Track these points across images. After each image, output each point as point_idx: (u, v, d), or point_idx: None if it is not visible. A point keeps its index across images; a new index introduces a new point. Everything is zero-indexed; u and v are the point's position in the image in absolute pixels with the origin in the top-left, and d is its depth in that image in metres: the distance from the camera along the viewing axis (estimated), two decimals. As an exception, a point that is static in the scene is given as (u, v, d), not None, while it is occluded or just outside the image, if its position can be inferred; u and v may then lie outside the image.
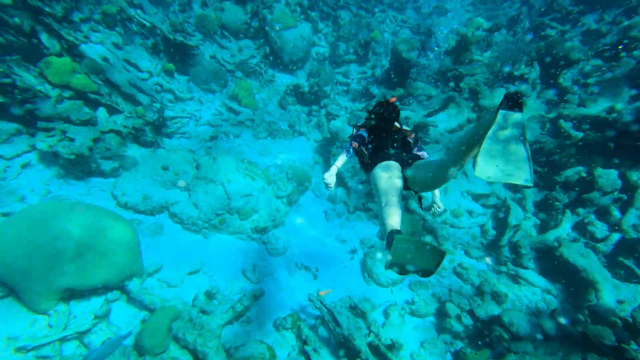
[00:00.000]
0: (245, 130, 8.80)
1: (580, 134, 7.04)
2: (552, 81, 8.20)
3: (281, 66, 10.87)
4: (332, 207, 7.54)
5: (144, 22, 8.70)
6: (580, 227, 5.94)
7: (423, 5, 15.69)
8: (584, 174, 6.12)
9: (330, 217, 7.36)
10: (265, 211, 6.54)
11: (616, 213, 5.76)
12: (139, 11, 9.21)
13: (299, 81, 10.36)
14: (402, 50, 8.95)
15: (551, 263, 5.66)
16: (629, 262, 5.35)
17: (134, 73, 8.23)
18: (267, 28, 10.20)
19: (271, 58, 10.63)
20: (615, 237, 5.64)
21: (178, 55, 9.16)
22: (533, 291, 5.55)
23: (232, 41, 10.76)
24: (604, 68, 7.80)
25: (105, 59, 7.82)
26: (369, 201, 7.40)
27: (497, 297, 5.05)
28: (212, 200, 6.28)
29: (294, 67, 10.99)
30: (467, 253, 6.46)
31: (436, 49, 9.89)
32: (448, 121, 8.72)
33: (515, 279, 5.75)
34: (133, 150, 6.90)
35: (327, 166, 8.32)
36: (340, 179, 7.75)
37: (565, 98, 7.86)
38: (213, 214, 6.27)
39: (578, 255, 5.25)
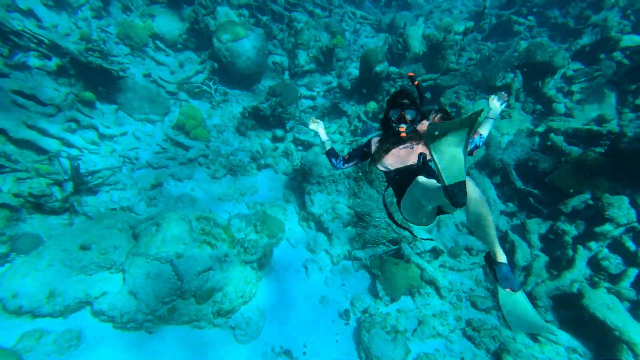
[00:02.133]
0: (197, 170, 7.16)
1: (573, 149, 6.45)
2: (534, 90, 7.58)
3: (234, 82, 9.23)
4: (312, 259, 6.28)
5: (41, 38, 6.62)
6: (594, 264, 5.31)
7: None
8: (590, 202, 5.49)
9: (312, 272, 6.10)
10: (231, 286, 5.10)
11: (630, 245, 5.20)
12: (31, 20, 7.05)
13: (258, 100, 8.84)
14: (373, 62, 7.80)
15: (572, 313, 4.96)
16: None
17: (32, 109, 6.20)
18: (213, 40, 8.49)
19: (221, 73, 8.97)
20: (633, 272, 5.07)
21: (98, 79, 7.19)
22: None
23: (169, 55, 8.89)
24: (590, 72, 7.30)
25: (-13, 94, 5.75)
26: (354, 248, 6.25)
27: (527, 377, 4.22)
28: (156, 285, 4.71)
29: (250, 82, 9.42)
30: (473, 305, 5.60)
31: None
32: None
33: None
34: (34, 223, 5.05)
35: (301, 203, 7.00)
36: (319, 223, 6.49)
37: (552, 108, 7.28)
38: (159, 303, 4.71)
39: (606, 308, 4.57)
